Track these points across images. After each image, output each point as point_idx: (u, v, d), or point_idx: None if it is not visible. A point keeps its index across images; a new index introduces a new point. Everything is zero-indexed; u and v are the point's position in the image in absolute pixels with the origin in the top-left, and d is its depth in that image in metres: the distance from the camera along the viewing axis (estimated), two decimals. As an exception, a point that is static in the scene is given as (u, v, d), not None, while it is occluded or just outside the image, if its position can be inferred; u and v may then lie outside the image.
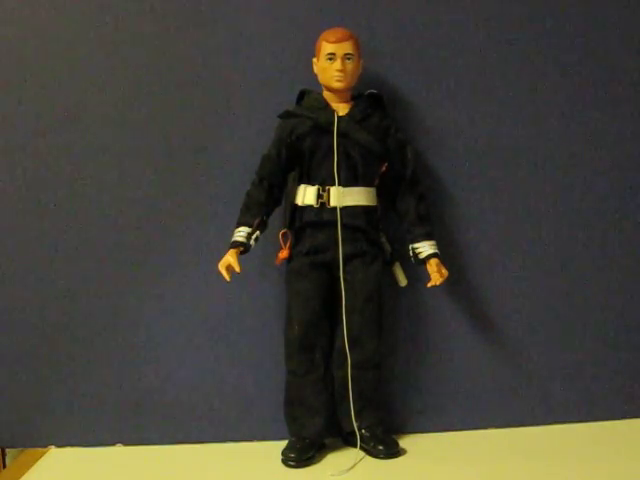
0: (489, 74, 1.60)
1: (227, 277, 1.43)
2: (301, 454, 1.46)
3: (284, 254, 1.48)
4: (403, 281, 1.57)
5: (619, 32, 1.62)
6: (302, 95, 1.50)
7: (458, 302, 1.61)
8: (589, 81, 1.62)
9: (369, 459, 1.47)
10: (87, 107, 1.56)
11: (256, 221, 1.45)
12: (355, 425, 1.47)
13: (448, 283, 1.49)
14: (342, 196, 1.45)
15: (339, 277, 1.47)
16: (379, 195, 1.52)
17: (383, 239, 1.53)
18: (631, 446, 1.51)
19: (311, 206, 1.46)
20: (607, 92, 1.62)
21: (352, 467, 1.43)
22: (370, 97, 1.50)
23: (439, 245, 1.49)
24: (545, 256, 1.63)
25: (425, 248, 1.48)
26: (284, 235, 1.49)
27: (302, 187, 1.47)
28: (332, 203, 1.45)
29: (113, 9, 1.54)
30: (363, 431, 1.49)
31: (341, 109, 1.47)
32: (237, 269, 1.43)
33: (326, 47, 1.43)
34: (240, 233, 1.46)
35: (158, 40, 1.56)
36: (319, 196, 1.45)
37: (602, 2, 1.61)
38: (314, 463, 1.47)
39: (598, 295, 1.64)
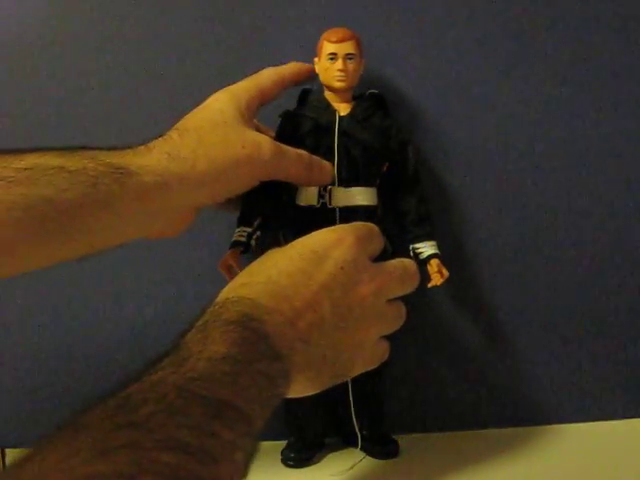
0: (490, 73, 1.59)
1: (228, 277, 1.42)
2: (301, 454, 1.47)
3: (284, 254, 1.47)
4: (403, 280, 1.56)
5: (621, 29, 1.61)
6: (303, 95, 1.49)
7: (458, 302, 1.61)
8: (593, 79, 1.60)
9: (369, 459, 1.48)
10: (87, 104, 1.55)
11: (256, 221, 1.45)
12: (355, 425, 1.48)
13: (449, 284, 1.48)
14: (343, 196, 1.44)
15: (339, 277, 1.46)
16: (380, 195, 1.51)
17: (383, 239, 1.53)
18: (631, 446, 1.51)
19: (312, 206, 1.45)
20: (613, 91, 1.61)
21: (352, 467, 1.43)
22: (371, 97, 1.49)
23: (440, 246, 1.49)
24: (547, 256, 1.63)
25: (426, 248, 1.47)
26: (284, 235, 1.48)
27: (303, 187, 1.46)
28: (333, 203, 1.44)
29: (109, 8, 1.53)
30: (363, 431, 1.49)
31: (342, 109, 1.46)
32: (237, 269, 1.42)
33: (327, 47, 1.42)
34: (240, 233, 1.44)
35: (157, 38, 1.55)
36: (320, 196, 1.45)
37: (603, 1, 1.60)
38: (314, 463, 1.47)
39: (600, 295, 1.64)
